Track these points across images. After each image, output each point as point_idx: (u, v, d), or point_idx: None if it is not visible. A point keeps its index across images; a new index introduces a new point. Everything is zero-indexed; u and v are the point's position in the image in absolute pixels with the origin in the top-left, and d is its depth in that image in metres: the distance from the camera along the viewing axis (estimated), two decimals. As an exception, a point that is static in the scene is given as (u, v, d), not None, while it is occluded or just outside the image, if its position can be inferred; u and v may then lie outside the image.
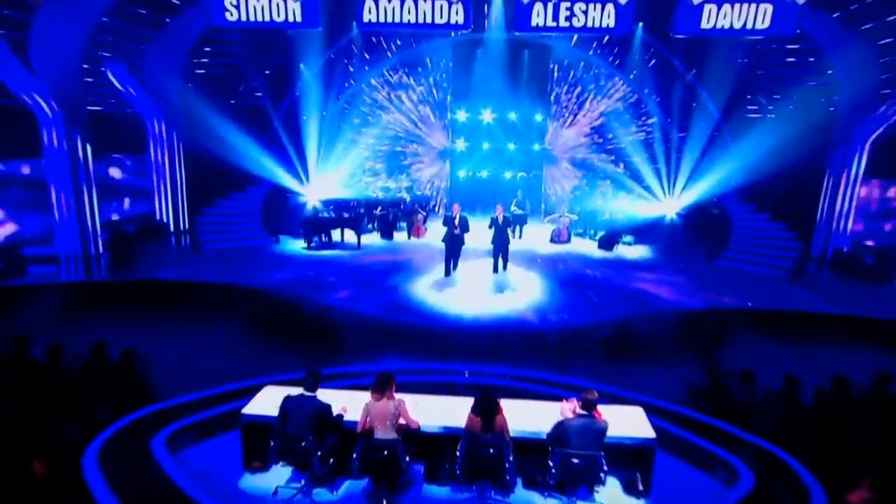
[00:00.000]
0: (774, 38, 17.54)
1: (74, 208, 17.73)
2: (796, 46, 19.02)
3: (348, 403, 7.86)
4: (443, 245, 16.99)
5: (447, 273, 17.03)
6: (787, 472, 7.49)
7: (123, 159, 21.81)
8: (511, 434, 7.28)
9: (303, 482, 7.55)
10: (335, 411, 7.56)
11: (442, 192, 26.33)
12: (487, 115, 25.53)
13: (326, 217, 21.07)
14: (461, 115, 25.66)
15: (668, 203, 22.71)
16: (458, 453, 7.27)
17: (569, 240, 21.63)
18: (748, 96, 21.30)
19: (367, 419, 7.25)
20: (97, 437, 7.80)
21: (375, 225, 22.81)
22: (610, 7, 16.83)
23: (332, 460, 7.52)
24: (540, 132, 25.63)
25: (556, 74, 24.60)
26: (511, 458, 7.16)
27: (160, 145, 21.80)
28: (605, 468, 7.03)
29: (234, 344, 12.70)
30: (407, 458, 7.36)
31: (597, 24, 17.07)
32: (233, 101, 22.67)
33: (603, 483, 7.12)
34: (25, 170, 18.33)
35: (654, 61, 22.14)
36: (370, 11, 17.68)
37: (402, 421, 7.26)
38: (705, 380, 9.98)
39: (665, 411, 9.05)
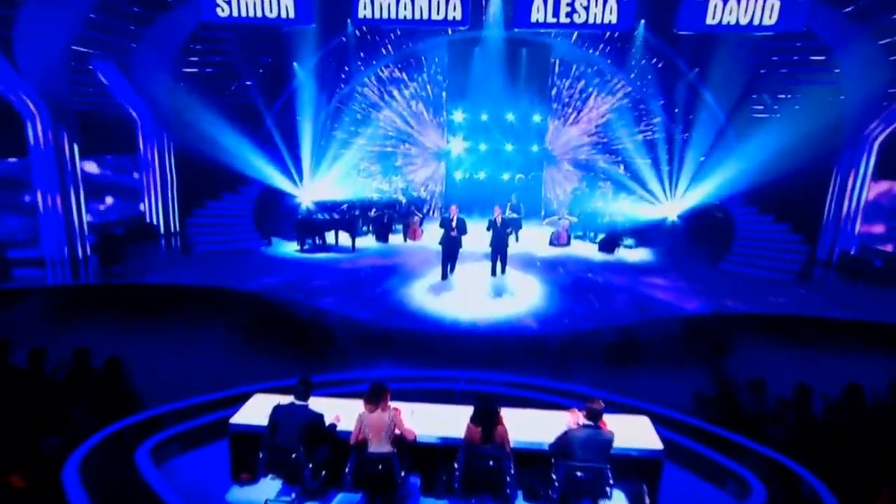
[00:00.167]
0: (781, 34, 17.38)
1: (61, 209, 17.48)
2: (803, 44, 18.81)
3: (342, 412, 7.58)
4: (440, 248, 16.79)
5: (444, 276, 16.83)
6: (801, 484, 7.30)
7: (112, 159, 21.52)
8: (511, 445, 7.04)
9: (293, 496, 7.27)
10: (328, 421, 7.29)
11: (438, 194, 26.10)
12: (485, 116, 25.31)
13: (320, 219, 20.85)
14: (458, 116, 25.44)
15: (670, 205, 22.49)
16: (456, 465, 7.03)
17: (568, 243, 21.44)
18: (753, 95, 21.06)
19: (361, 431, 7.01)
20: (79, 447, 7.59)
21: (370, 227, 22.56)
22: (612, 2, 16.66)
23: (323, 473, 7.26)
24: (539, 133, 25.41)
25: (555, 74, 24.39)
26: (512, 471, 6.92)
27: (150, 145, 21.61)
28: (611, 481, 6.79)
29: (224, 350, 12.47)
30: (402, 473, 7.12)
31: (598, 21, 16.91)
32: (225, 101, 22.36)
33: (609, 497, 6.86)
34: (9, 168, 18.09)
35: (655, 60, 21.93)
36: (365, 7, 17.52)
37: (397, 431, 7.02)
38: (712, 388, 9.76)
39: (671, 420, 8.84)
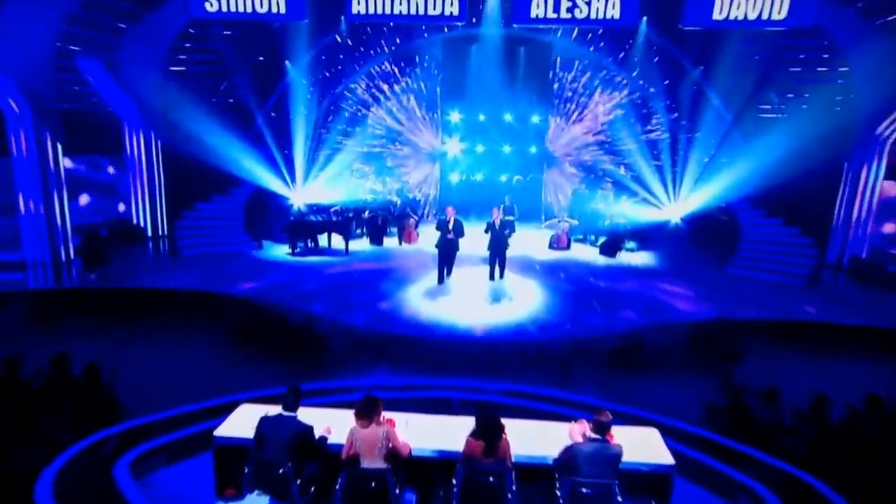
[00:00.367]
0: (790, 30, 17.15)
1: (43, 211, 17.19)
2: (811, 41, 18.57)
3: (333, 424, 7.28)
4: (436, 251, 16.54)
5: (440, 280, 16.56)
6: (818, 499, 7.04)
7: (98, 160, 21.22)
8: (512, 459, 6.74)
9: (281, 512, 7.01)
10: (318, 433, 7.00)
11: (434, 196, 25.85)
12: (482, 116, 25.09)
13: (312, 221, 20.57)
14: (454, 116, 25.22)
15: (673, 207, 22.25)
16: (454, 481, 6.75)
17: (568, 246, 21.20)
18: (759, 95, 20.78)
19: (353, 447, 6.70)
20: (54, 460, 7.38)
21: (364, 230, 22.28)
22: (615, -4, 16.48)
23: (313, 489, 6.97)
24: (537, 133, 25.22)
25: (554, 73, 24.17)
26: (514, 487, 6.65)
27: (137, 145, 21.25)
28: (619, 498, 6.49)
29: (212, 356, 12.21)
30: (397, 490, 6.82)
31: (600, 16, 16.69)
32: (215, 100, 22.12)
33: (616, 514, 6.60)
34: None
35: (658, 58, 21.69)
36: (359, 2, 17.29)
37: (391, 446, 6.70)
38: (723, 397, 9.49)
39: (680, 432, 8.58)
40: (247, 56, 22.22)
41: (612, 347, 12.34)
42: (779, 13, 15.81)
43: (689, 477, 7.83)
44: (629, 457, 6.68)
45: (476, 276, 17.17)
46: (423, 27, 22.09)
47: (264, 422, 6.83)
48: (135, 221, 21.61)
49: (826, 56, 18.69)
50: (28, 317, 14.12)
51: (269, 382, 9.77)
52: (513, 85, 23.96)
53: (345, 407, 7.74)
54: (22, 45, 15.66)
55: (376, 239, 21.63)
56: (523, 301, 15.46)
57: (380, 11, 17.35)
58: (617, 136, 23.80)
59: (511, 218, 20.27)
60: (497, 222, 16.29)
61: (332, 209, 21.72)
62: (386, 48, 23.20)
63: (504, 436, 6.66)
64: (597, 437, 6.53)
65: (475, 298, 15.53)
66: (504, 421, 6.78)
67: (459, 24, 18.10)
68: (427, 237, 20.01)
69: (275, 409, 6.95)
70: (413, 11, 17.22)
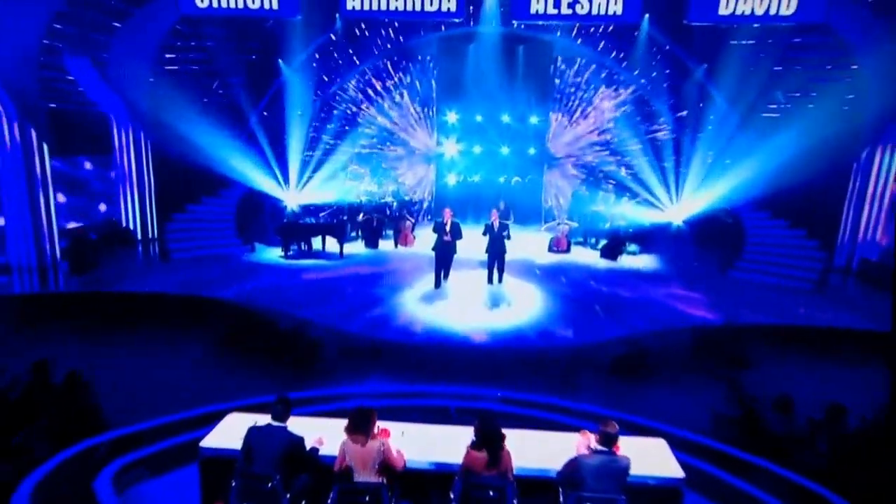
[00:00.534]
0: (799, 26, 16.95)
1: (28, 213, 16.91)
2: (819, 39, 18.39)
3: (325, 435, 7.01)
4: (433, 254, 16.34)
5: (437, 284, 16.35)
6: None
7: (85, 160, 20.99)
8: (513, 471, 6.48)
9: (270, 528, 6.73)
10: (309, 444, 6.72)
11: (431, 198, 25.66)
12: (479, 117, 24.93)
13: (305, 223, 20.30)
14: (451, 117, 25.06)
15: (675, 209, 22.05)
16: (452, 495, 6.50)
17: (568, 249, 21.00)
18: (765, 94, 20.53)
19: (345, 461, 6.43)
20: (31, 473, 7.18)
21: (359, 232, 22.06)
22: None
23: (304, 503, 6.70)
24: (536, 134, 25.06)
25: (554, 73, 24.00)
26: (515, 502, 6.39)
27: (126, 146, 21.00)
28: (627, 514, 6.24)
29: (200, 363, 11.96)
30: (392, 504, 6.57)
31: (602, 12, 16.50)
32: (206, 99, 21.89)
33: (623, 530, 6.33)
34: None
35: (661, 56, 21.47)
36: (353, -2, 17.07)
37: (385, 458, 6.44)
38: (733, 406, 9.24)
39: (689, 442, 8.35)
40: (239, 55, 22.02)
41: (616, 354, 12.08)
42: (787, 8, 15.62)
43: (700, 490, 7.57)
44: (636, 470, 6.41)
45: (474, 279, 16.99)
46: (420, 25, 21.87)
47: (252, 433, 6.56)
48: (124, 224, 21.34)
49: (834, 54, 18.48)
50: (11, 322, 13.82)
51: (260, 390, 9.63)
52: (511, 84, 23.79)
53: (338, 416, 7.44)
54: (6, 41, 15.44)
55: (371, 242, 21.44)
56: (523, 305, 15.26)
57: (375, 8, 17.11)
58: (618, 136, 23.61)
59: (507, 222, 20.07)
60: (495, 224, 16.08)
61: (323, 212, 21.55)
62: (381, 47, 22.97)
63: (504, 446, 6.40)
64: (603, 448, 6.27)
65: (473, 303, 15.32)
66: (504, 431, 6.53)
67: (456, 20, 17.88)
68: (423, 240, 19.80)
69: (264, 419, 6.68)
70: (409, 8, 17.03)
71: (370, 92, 24.20)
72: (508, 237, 16.22)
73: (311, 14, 19.13)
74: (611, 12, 16.51)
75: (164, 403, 9.52)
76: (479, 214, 20.35)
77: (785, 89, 20.14)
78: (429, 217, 24.84)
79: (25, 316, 14.34)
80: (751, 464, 8.02)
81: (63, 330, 13.11)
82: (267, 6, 17.18)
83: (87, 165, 21.16)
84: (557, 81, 23.98)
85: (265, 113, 22.68)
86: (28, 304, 15.28)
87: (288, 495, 6.43)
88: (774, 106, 20.65)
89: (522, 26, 19.88)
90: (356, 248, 21.20)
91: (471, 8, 19.20)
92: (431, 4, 16.95)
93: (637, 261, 20.25)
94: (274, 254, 20.10)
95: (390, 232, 22.12)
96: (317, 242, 20.58)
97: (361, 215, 21.88)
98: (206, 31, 20.83)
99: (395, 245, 21.51)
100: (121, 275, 17.09)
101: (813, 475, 7.57)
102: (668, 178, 22.44)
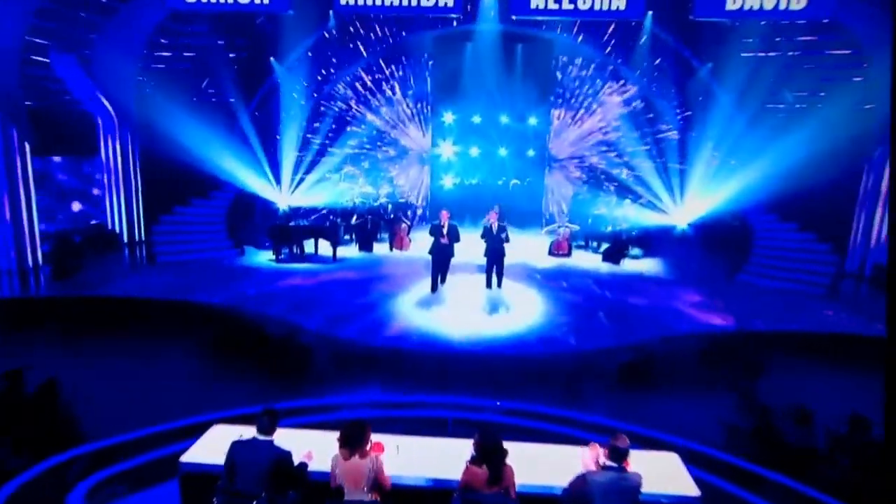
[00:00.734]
0: (808, 24, 16.71)
1: (9, 214, 16.63)
2: (829, 36, 18.20)
3: (315, 447, 6.67)
4: (429, 257, 16.10)
5: (434, 289, 16.11)
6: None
7: (69, 161, 20.69)
8: (516, 488, 6.15)
9: (254, 550, 6.40)
10: (297, 459, 6.37)
11: (427, 200, 25.44)
12: (477, 118, 24.83)
13: (297, 226, 20.05)
14: (448, 117, 24.95)
15: (680, 212, 21.86)
16: (450, 513, 6.18)
17: (569, 252, 20.80)
18: (772, 93, 20.30)
19: (335, 479, 6.10)
20: (2, 487, 7.02)
21: (353, 235, 21.80)
22: (621, -14, 16.08)
23: (291, 523, 6.38)
24: (536, 135, 24.90)
25: (554, 72, 23.76)
26: (517, 522, 6.06)
27: (113, 146, 20.68)
28: (638, 535, 5.91)
29: (186, 371, 11.65)
30: (385, 524, 6.24)
31: (604, 8, 16.28)
32: (196, 99, 21.67)
33: (634, 554, 6.00)
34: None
35: (665, 54, 21.30)
36: (347, -7, 16.83)
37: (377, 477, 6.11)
38: (748, 418, 8.96)
39: (702, 456, 8.06)
40: (230, 53, 21.77)
41: (622, 361, 11.85)
42: (797, 2, 15.38)
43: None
44: (648, 487, 6.05)
45: (472, 284, 16.82)
46: (416, 22, 21.68)
47: (236, 447, 6.21)
48: (110, 227, 21.04)
49: (845, 51, 18.23)
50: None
51: (248, 400, 9.36)
52: (510, 84, 23.66)
53: (329, 427, 7.18)
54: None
55: (366, 245, 21.22)
56: (523, 311, 15.03)
57: (370, 3, 16.86)
58: (620, 137, 23.39)
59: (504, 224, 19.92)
60: (494, 226, 15.82)
61: (314, 215, 21.34)
62: (376, 45, 22.76)
63: (506, 462, 6.07)
64: (613, 464, 5.92)
65: (471, 308, 15.12)
66: (505, 444, 6.19)
67: (454, 15, 17.63)
68: (420, 243, 19.59)
69: (250, 432, 6.34)
70: (405, 3, 16.77)
71: (364, 92, 23.98)
72: (507, 239, 15.96)
73: (304, 9, 18.91)
74: (613, 7, 16.28)
75: (146, 414, 9.24)
76: (477, 217, 20.16)
77: (794, 88, 19.92)
78: (425, 220, 24.62)
79: (3, 321, 14.06)
80: (767, 479, 7.79)
81: (42, 336, 12.91)
82: (258, 0, 16.91)
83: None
84: (559, 75, 23.71)
85: (257, 112, 22.49)
86: (6, 308, 14.99)
87: (274, 514, 6.10)
88: (783, 105, 20.42)
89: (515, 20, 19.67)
90: (350, 251, 21.02)
91: (468, 6, 19.03)
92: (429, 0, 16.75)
93: (640, 265, 20.07)
94: (265, 257, 19.94)
95: (385, 235, 21.92)
96: (309, 246, 20.38)
97: (355, 218, 21.61)
98: (195, 27, 20.63)
99: (391, 248, 21.30)
100: (105, 279, 16.83)
101: (834, 491, 7.32)
102: (672, 179, 22.26)
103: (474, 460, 6.04)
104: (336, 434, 6.18)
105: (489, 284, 16.38)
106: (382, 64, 23.68)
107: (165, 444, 8.31)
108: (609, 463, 5.90)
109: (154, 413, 9.22)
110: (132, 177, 21.20)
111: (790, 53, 19.22)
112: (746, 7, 15.63)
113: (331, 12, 19.77)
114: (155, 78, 20.65)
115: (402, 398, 10.46)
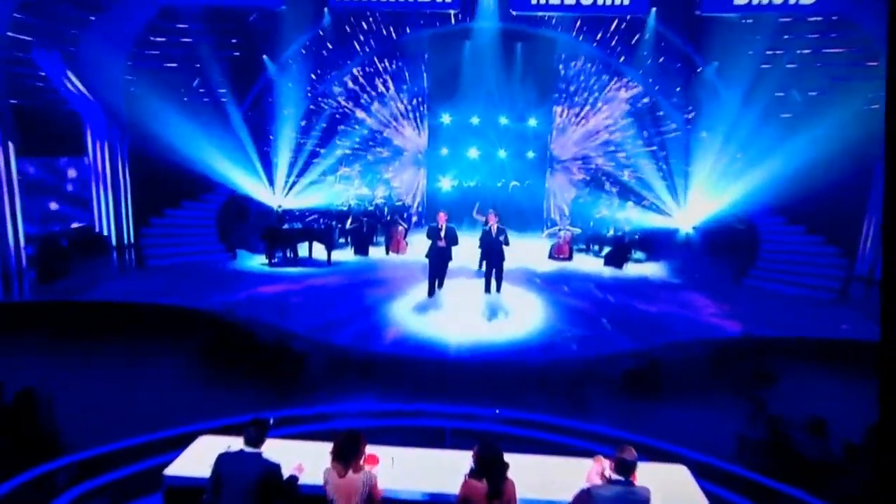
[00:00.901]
0: (817, 21, 16.56)
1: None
2: (838, 34, 18.05)
3: (306, 459, 6.46)
4: (426, 261, 15.98)
5: (431, 293, 15.98)
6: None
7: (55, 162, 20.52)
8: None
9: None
10: (287, 472, 6.15)
11: (424, 203, 25.36)
12: (476, 119, 24.71)
13: (291, 229, 19.91)
14: (445, 118, 24.86)
15: (684, 214, 21.77)
16: (448, 531, 5.98)
17: (570, 256, 20.72)
18: (780, 93, 20.16)
19: (327, 494, 5.89)
20: None
21: (348, 239, 21.65)
22: (624, -19, 15.95)
23: (280, 540, 6.16)
24: (536, 136, 24.84)
25: (555, 71, 23.69)
26: (519, 538, 5.85)
27: (101, 146, 20.52)
28: (646, 553, 5.71)
29: (174, 379, 11.53)
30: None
31: (607, 3, 16.12)
32: (186, 98, 21.52)
33: (642, 572, 5.80)
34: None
35: (669, 53, 21.17)
36: (342, -12, 16.70)
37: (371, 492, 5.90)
38: (759, 428, 8.78)
39: (712, 469, 7.92)
40: (222, 51, 21.61)
41: (626, 368, 11.69)
42: (806, -3, 15.29)
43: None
44: (657, 502, 5.88)
45: (470, 288, 16.73)
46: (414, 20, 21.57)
47: (222, 460, 6.00)
48: (97, 229, 20.87)
49: (855, 50, 18.13)
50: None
51: (238, 409, 9.23)
52: (510, 84, 23.53)
53: (322, 437, 7.04)
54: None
55: (361, 248, 21.06)
56: (523, 317, 14.92)
57: (365, -2, 16.78)
58: (623, 137, 23.27)
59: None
60: (493, 229, 15.69)
61: (308, 218, 21.20)
62: (372, 44, 22.63)
63: (507, 475, 5.86)
64: (619, 478, 5.72)
65: (470, 313, 14.97)
66: (507, 456, 5.99)
67: (452, 11, 17.48)
68: (417, 247, 19.46)
69: (238, 443, 6.13)
70: (402, -1, 16.68)
71: (359, 91, 23.88)
72: (507, 242, 15.79)
73: (297, 5, 18.79)
74: (617, 2, 16.14)
75: (130, 424, 9.10)
76: (475, 221, 20.03)
77: (802, 88, 19.79)
78: (420, 226, 24.48)
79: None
80: (781, 493, 7.66)
81: (25, 342, 12.76)
82: (250, -5, 16.84)
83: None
84: (561, 68, 23.58)
85: (249, 112, 22.37)
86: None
87: (262, 530, 5.88)
88: (791, 105, 20.28)
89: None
90: (345, 255, 20.88)
91: (466, 2, 18.91)
92: (425, -5, 16.65)
93: (644, 268, 20.02)
94: (257, 261, 19.80)
95: (381, 238, 21.79)
96: (303, 249, 20.25)
97: (350, 221, 21.44)
98: (187, 25, 20.41)
99: (387, 252, 21.18)
100: (92, 283, 16.67)
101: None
102: (676, 181, 22.15)
103: (473, 473, 5.82)
104: (328, 445, 5.97)
105: (488, 289, 16.24)
106: (378, 63, 23.55)
107: (150, 456, 8.17)
108: (615, 476, 5.70)
109: (139, 423, 9.09)
110: (121, 178, 21.04)
111: (799, 51, 19.09)
112: (755, 2, 15.51)
113: (325, 9, 19.65)
114: (145, 76, 20.45)
115: (398, 407, 10.32)
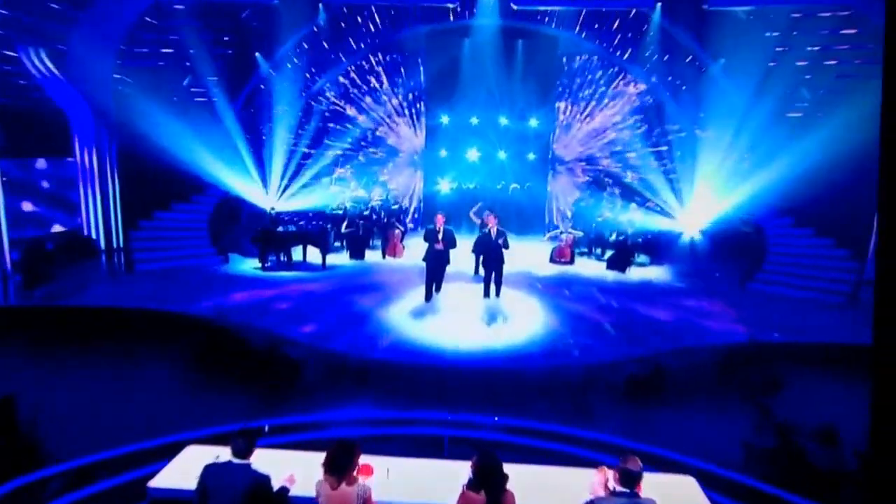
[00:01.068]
0: (823, 18, 16.47)
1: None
2: (850, 29, 17.97)
3: (297, 470, 6.34)
4: (423, 264, 15.91)
5: (428, 298, 15.89)
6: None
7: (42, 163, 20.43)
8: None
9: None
10: (277, 483, 6.04)
11: (421, 205, 25.36)
12: (475, 119, 24.63)
13: (285, 231, 19.80)
14: (444, 118, 24.79)
15: (688, 217, 21.70)
16: (445, 546, 5.86)
17: (572, 260, 20.65)
18: (789, 90, 20.07)
19: (321, 505, 5.79)
20: None
21: (344, 242, 21.56)
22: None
23: (270, 556, 6.03)
24: (537, 137, 24.76)
25: (557, 70, 23.62)
26: (520, 553, 5.73)
27: (88, 147, 20.44)
28: (653, 569, 5.59)
29: (163, 386, 11.40)
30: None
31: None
32: (177, 98, 21.42)
33: (648, 588, 5.68)
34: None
35: (674, 50, 21.11)
36: (338, -17, 16.63)
37: (366, 504, 5.77)
38: (767, 436, 8.67)
39: (720, 479, 7.81)
40: (214, 48, 21.54)
41: (630, 375, 11.58)
42: (818, -11, 15.20)
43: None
44: (663, 514, 5.78)
45: (468, 292, 16.64)
46: (411, 17, 21.50)
47: (209, 471, 5.87)
48: (85, 232, 20.76)
49: (867, 46, 18.06)
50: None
51: (230, 417, 9.23)
52: (510, 83, 23.45)
53: (315, 447, 6.93)
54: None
55: (357, 252, 20.97)
56: (523, 322, 14.83)
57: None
58: (626, 138, 23.20)
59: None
60: (493, 231, 15.57)
61: (302, 220, 21.11)
62: (368, 41, 22.55)
63: (507, 487, 5.74)
64: (624, 489, 5.60)
65: (468, 318, 14.88)
66: (506, 467, 5.86)
67: (451, 6, 17.38)
68: (414, 251, 19.37)
69: (227, 454, 6.01)
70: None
71: (355, 91, 23.80)
72: (506, 245, 15.68)
73: (292, 3, 18.69)
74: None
75: (115, 433, 9.00)
76: (474, 224, 19.94)
77: (811, 86, 19.71)
78: (416, 230, 24.41)
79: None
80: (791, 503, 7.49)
81: (8, 349, 12.66)
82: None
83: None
84: (564, 60, 23.48)
85: (242, 113, 22.29)
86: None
87: (250, 545, 5.76)
88: (799, 104, 20.19)
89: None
90: (340, 258, 20.81)
91: (465, 3, 18.88)
92: (424, -10, 16.58)
93: (647, 272, 19.96)
94: (250, 265, 19.69)
95: (378, 241, 21.72)
96: (297, 253, 20.10)
97: (345, 224, 21.32)
98: (178, 22, 20.35)
99: (383, 255, 21.08)
100: (79, 287, 16.60)
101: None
102: (681, 183, 22.06)
103: (472, 485, 5.70)
104: (321, 455, 5.84)
105: (487, 293, 16.12)
106: (374, 61, 23.50)
107: (135, 467, 8.06)
108: (620, 488, 5.59)
109: (124, 432, 8.99)
110: (109, 179, 20.94)
111: (808, 48, 19.00)
112: (765, -6, 15.48)
113: (320, 5, 19.57)
114: (134, 75, 20.39)
115: (395, 415, 10.25)
